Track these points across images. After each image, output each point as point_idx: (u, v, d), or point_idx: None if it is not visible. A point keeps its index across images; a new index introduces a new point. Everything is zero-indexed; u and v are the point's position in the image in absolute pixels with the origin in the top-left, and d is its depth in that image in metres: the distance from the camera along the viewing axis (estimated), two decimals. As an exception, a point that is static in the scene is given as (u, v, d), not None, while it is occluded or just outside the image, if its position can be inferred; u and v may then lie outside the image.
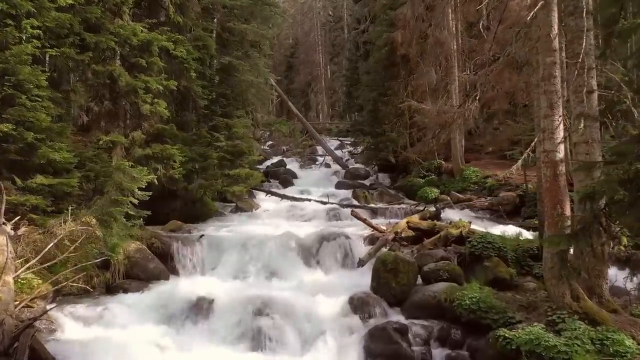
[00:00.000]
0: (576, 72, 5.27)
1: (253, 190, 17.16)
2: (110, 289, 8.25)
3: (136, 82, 11.04)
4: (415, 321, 6.88)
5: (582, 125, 5.50)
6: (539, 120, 8.33)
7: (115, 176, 8.21)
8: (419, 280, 7.99)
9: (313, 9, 49.94)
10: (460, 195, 15.91)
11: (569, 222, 5.54)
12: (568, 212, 5.68)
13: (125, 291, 8.05)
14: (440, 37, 17.46)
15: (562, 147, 5.68)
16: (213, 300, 7.19)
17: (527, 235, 10.37)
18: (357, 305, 7.07)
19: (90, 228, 7.24)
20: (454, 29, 18.19)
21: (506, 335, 5.53)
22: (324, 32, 49.65)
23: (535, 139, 6.26)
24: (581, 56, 5.27)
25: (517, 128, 13.13)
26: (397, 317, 7.11)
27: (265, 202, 16.51)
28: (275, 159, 26.45)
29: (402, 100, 17.18)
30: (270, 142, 32.24)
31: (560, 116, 5.58)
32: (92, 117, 11.92)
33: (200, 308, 7.11)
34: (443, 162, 18.84)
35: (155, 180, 11.82)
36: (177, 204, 13.28)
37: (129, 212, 8.46)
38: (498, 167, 18.51)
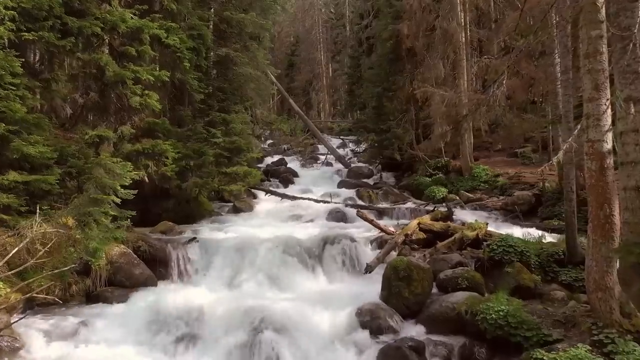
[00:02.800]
0: (630, 48, 4.42)
1: (252, 190, 16.37)
2: (91, 298, 7.43)
3: (125, 72, 10.24)
4: (433, 337, 6.03)
5: (632, 110, 4.65)
6: (566, 108, 7.51)
7: (95, 172, 7.37)
8: (434, 289, 7.15)
9: (314, 6, 49.23)
10: (470, 195, 15.10)
11: (618, 225, 4.71)
12: (617, 212, 4.85)
13: (107, 300, 7.23)
14: (449, 29, 16.61)
15: (609, 136, 4.85)
16: (204, 313, 6.35)
17: (549, 237, 9.57)
18: (366, 318, 6.21)
19: (62, 230, 6.40)
20: (462, 20, 17.34)
21: (544, 358, 4.69)
22: (326, 30, 49.01)
23: (585, 123, 5.33)
24: (636, 28, 4.42)
25: (533, 122, 12.22)
26: (410, 331, 6.26)
27: (264, 202, 15.72)
28: (275, 158, 25.72)
29: (417, 87, 16.15)
30: (270, 141, 31.53)
31: (607, 99, 4.75)
32: (78, 110, 11.14)
33: (189, 322, 6.26)
34: (451, 160, 18.05)
35: (146, 178, 11.10)
36: (170, 204, 12.50)
37: (110, 212, 7.61)
38: (509, 165, 17.72)
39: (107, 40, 10.91)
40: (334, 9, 49.44)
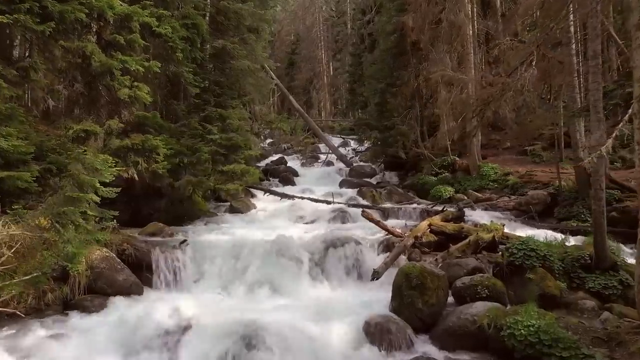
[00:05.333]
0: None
1: (250, 189, 15.67)
2: (69, 307, 6.68)
3: (112, 61, 9.52)
4: (451, 355, 5.30)
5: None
6: (595, 97, 6.78)
7: (72, 168, 6.63)
8: (450, 298, 6.42)
9: (315, 4, 48.61)
10: (479, 195, 14.40)
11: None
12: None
13: (85, 310, 6.48)
14: (456, 21, 15.88)
15: (666, 122, 4.13)
16: (190, 326, 5.61)
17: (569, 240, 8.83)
18: (375, 332, 5.46)
19: (28, 232, 5.67)
20: (469, 12, 16.62)
21: (590, 385, 3.97)
22: (327, 28, 48.43)
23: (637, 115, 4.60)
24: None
25: (550, 117, 11.46)
26: (425, 347, 5.52)
27: (263, 201, 15.01)
28: (275, 157, 25.08)
29: (425, 79, 15.31)
30: (270, 140, 30.92)
31: (664, 79, 4.04)
32: (62, 102, 10.42)
33: (175, 337, 5.52)
34: (457, 159, 17.33)
35: (136, 176, 10.41)
36: (162, 203, 11.78)
37: (89, 212, 6.86)
38: (518, 163, 17.01)
39: (94, 28, 10.25)
40: (335, 7, 48.80)
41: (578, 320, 5.33)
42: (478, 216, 11.36)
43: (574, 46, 10.80)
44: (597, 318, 6.03)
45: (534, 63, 5.50)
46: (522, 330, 4.89)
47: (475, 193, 14.60)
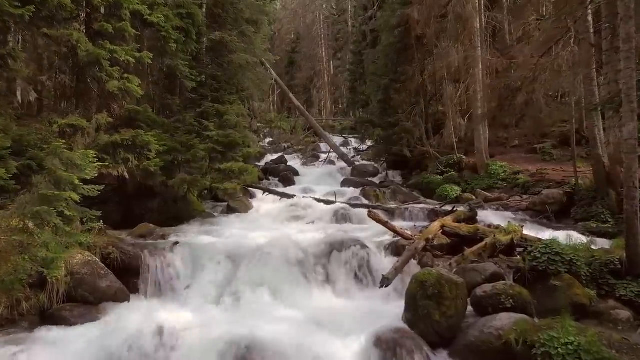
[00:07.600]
0: None
1: (249, 189, 15.03)
2: (46, 317, 6.02)
3: (99, 51, 8.88)
4: (475, 374, 4.65)
5: None
6: (628, 85, 6.13)
7: (48, 163, 5.98)
8: (468, 308, 5.76)
9: (315, 2, 48.11)
10: (488, 194, 13.76)
11: None
12: None
13: (64, 321, 5.83)
14: (463, 14, 15.24)
15: None
16: (177, 343, 4.96)
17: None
18: (388, 349, 4.78)
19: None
20: (477, 4, 15.98)
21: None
22: (327, 26, 47.90)
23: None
24: None
25: (565, 112, 10.79)
26: (445, 365, 4.89)
27: (262, 202, 14.37)
28: (275, 156, 24.46)
29: (430, 74, 14.58)
30: (270, 139, 30.32)
31: None
32: (48, 95, 9.80)
33: (161, 353, 4.88)
34: (464, 157, 16.71)
35: (126, 174, 9.78)
36: (154, 203, 11.14)
37: (66, 211, 6.20)
38: (528, 162, 16.37)
39: (82, 16, 9.64)
40: (335, 5, 48.21)
41: (622, 337, 4.67)
42: (490, 217, 10.72)
43: (592, 36, 10.17)
44: (635, 331, 5.40)
45: (572, 41, 4.87)
46: (560, 349, 4.24)
47: (484, 192, 13.98)
